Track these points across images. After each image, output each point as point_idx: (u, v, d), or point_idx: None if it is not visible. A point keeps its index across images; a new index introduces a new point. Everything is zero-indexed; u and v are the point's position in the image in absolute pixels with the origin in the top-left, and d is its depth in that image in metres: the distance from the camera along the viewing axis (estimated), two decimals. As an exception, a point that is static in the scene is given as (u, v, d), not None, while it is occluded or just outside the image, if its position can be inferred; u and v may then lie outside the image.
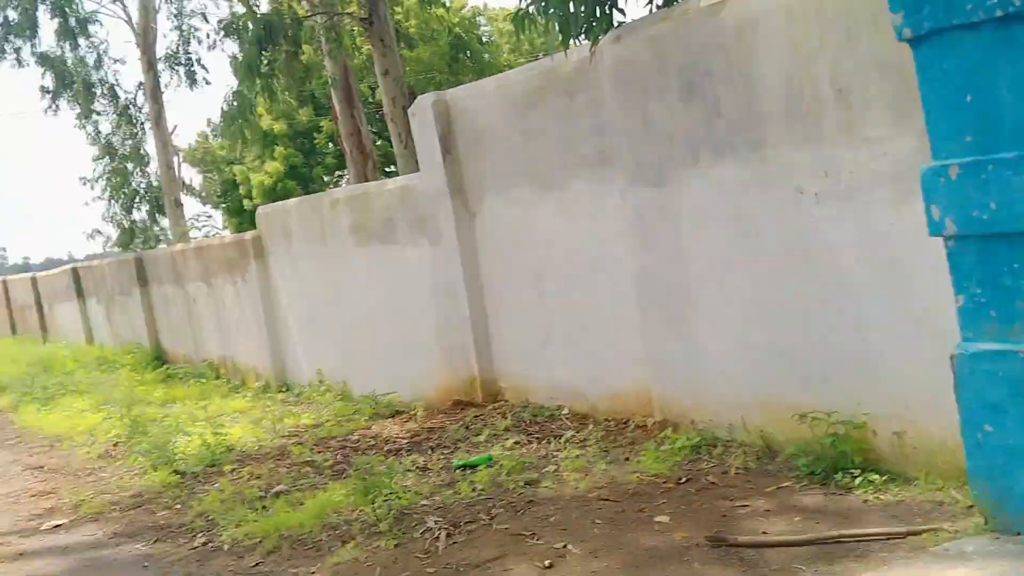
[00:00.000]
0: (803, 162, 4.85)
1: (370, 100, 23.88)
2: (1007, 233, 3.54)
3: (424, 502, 5.76)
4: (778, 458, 5.31)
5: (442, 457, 6.95)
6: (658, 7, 6.12)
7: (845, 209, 4.71)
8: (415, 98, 9.22)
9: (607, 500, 5.36)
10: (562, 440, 6.68)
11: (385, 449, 7.52)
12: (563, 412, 7.26)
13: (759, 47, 4.95)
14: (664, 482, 5.45)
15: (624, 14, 6.19)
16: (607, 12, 6.12)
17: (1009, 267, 3.57)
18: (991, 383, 3.64)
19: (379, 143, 23.85)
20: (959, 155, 3.64)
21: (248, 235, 12.11)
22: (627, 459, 5.99)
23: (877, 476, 4.71)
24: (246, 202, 32.02)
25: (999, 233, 3.56)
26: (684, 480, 5.42)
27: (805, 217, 4.91)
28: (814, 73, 4.69)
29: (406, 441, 7.74)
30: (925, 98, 3.71)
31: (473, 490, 5.87)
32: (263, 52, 13.13)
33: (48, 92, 25.01)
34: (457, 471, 6.40)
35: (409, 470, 6.62)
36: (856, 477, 4.78)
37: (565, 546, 4.72)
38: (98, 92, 25.55)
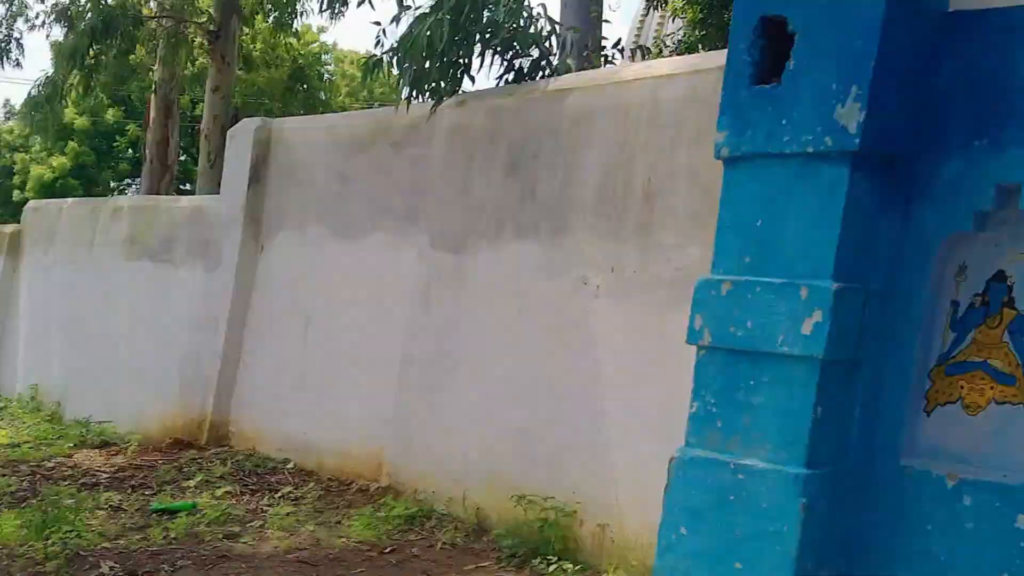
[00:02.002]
0: (595, 254, 5.30)
1: (187, 113, 23.48)
2: (755, 351, 4.00)
3: (106, 545, 5.52)
4: (485, 537, 5.50)
5: (142, 498, 6.70)
6: (507, 83, 6.63)
7: (621, 305, 5.16)
8: (238, 120, 9.27)
9: (304, 563, 5.29)
10: (277, 495, 6.59)
11: (81, 481, 7.16)
12: (288, 466, 7.23)
13: (589, 139, 5.47)
14: (369, 550, 5.48)
15: (473, 82, 6.66)
16: (458, 76, 6.57)
17: (746, 383, 4.01)
18: (699, 489, 4.03)
19: (183, 158, 23.34)
20: (735, 273, 4.11)
21: (8, 228, 11.65)
22: (339, 522, 5.98)
23: (571, 565, 5.00)
24: (16, 193, 30.11)
25: (748, 351, 4.02)
26: (389, 550, 5.47)
27: (583, 307, 5.32)
28: (630, 173, 5.22)
29: (107, 476, 7.41)
30: (722, 215, 4.20)
31: (165, 537, 5.69)
32: (93, 44, 12.99)
33: None
34: (154, 515, 6.19)
35: (101, 507, 6.33)
36: (552, 564, 5.03)
37: (241, 608, 4.61)
38: None
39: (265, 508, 6.35)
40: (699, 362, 4.18)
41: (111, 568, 5.11)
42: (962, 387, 4.07)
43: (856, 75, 3.74)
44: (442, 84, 6.54)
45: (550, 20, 6.69)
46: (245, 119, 8.85)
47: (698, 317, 4.18)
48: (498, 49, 6.62)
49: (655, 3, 10.82)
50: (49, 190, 27.19)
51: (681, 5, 11.01)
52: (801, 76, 3.88)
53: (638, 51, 9.33)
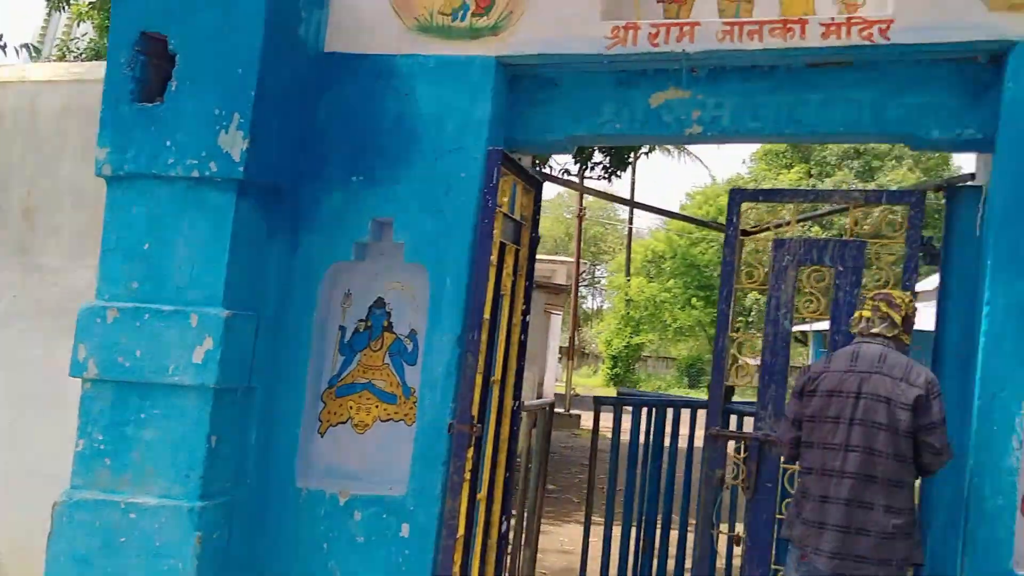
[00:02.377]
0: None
1: None
2: (145, 383, 3.83)
3: None
4: None
5: None
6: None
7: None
8: None
9: None
10: None
11: None
12: None
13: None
14: None
15: None
16: None
17: (136, 417, 3.83)
18: (86, 533, 3.75)
19: None
20: (123, 299, 3.90)
21: None
22: None
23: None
24: None
25: (137, 382, 3.83)
26: None
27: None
28: (5, 187, 4.67)
29: None
30: (106, 237, 3.95)
31: None
32: None
33: None
34: None
35: None
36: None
37: None
38: None
39: None
40: (84, 396, 3.89)
41: None
42: (351, 407, 4.37)
43: (238, 103, 3.83)
44: None
45: None
46: None
47: (82, 347, 3.88)
48: None
49: (57, 4, 9.74)
50: None
51: (87, 8, 10.12)
52: (185, 98, 3.87)
53: (25, 50, 8.49)
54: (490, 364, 4.10)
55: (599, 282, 47.50)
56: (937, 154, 21.86)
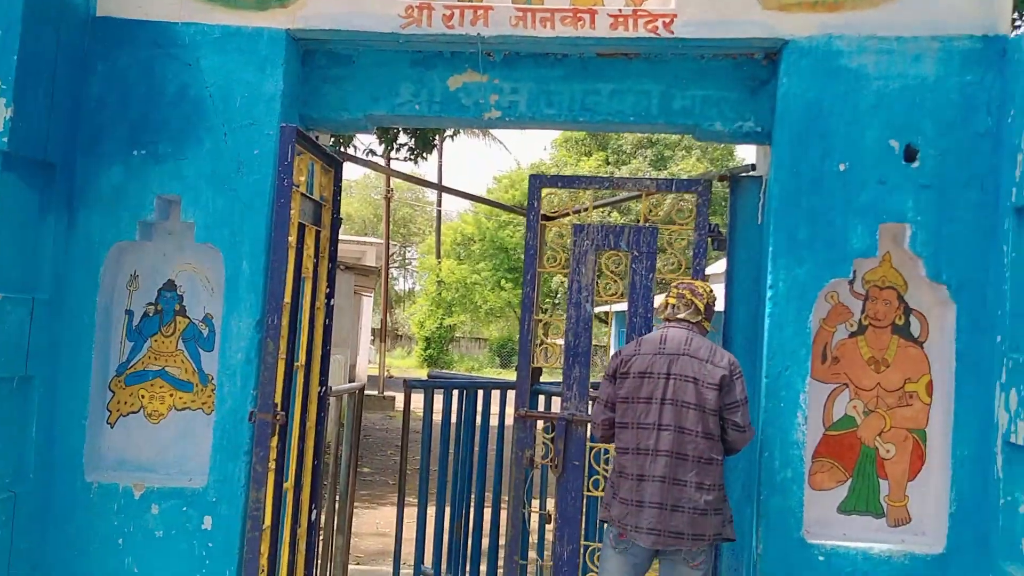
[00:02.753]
0: None
1: None
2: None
3: None
4: None
5: None
6: None
7: None
8: None
9: None
10: None
11: None
12: None
13: None
14: None
15: None
16: None
17: None
18: None
19: None
20: None
21: None
22: None
23: None
24: None
25: None
26: None
27: None
28: None
29: None
30: None
31: None
32: None
33: None
34: None
35: None
36: None
37: None
38: None
39: None
40: None
41: None
42: (143, 396, 4.12)
43: (0, 71, 3.50)
44: None
45: None
46: None
47: None
48: None
49: None
50: None
51: None
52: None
53: None
54: (293, 349, 3.98)
55: (410, 264, 47.41)
56: (722, 145, 23.28)
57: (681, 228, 4.36)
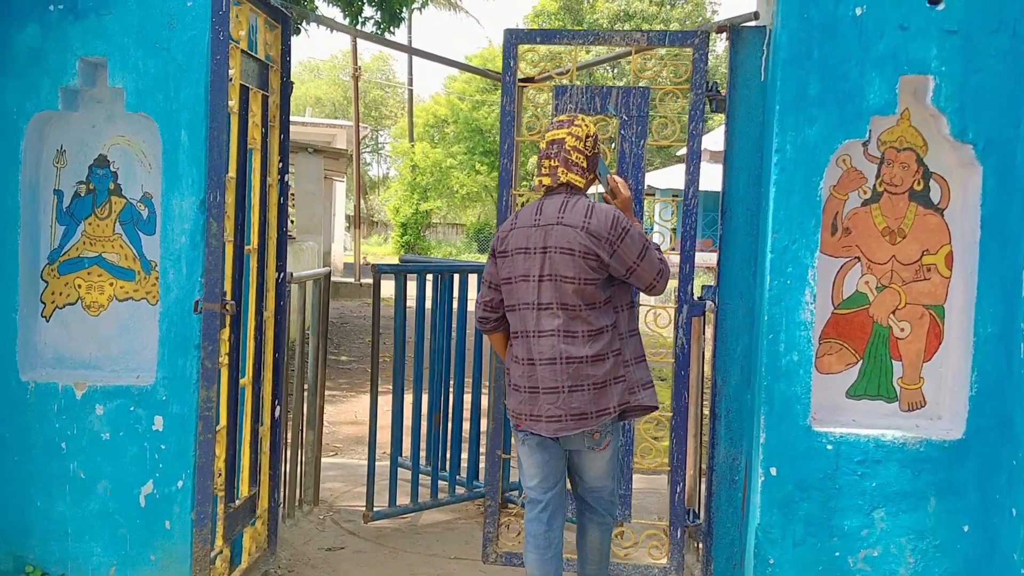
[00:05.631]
0: None
1: None
2: None
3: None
4: None
5: None
6: None
7: None
8: None
9: None
10: None
11: None
12: None
13: None
14: None
15: None
16: None
17: None
18: None
19: None
20: None
21: None
22: None
23: None
24: None
25: None
26: None
27: None
28: None
29: None
30: None
31: None
32: None
33: None
34: None
35: None
36: None
37: None
38: None
39: None
40: None
41: None
42: (80, 286, 3.69)
43: None
44: None
45: None
46: None
47: None
48: None
49: None
50: None
51: None
52: None
53: None
54: (243, 231, 3.53)
55: (383, 148, 46.30)
56: (701, 18, 22.34)
57: (675, 88, 3.89)
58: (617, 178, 3.33)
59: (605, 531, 3.34)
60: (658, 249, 3.17)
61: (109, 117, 3.62)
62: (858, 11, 3.28)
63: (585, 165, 3.15)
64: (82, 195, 3.65)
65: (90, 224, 3.67)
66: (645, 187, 3.97)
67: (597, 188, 3.41)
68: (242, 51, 3.37)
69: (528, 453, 3.20)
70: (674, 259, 3.79)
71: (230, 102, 3.22)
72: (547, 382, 3.07)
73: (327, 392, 8.78)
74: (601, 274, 3.06)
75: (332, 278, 18.95)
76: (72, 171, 3.64)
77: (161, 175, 3.47)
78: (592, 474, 3.22)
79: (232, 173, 3.34)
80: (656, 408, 3.21)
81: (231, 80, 3.23)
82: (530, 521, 3.23)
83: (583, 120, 3.20)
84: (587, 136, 3.15)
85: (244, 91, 3.44)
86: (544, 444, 3.15)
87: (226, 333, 3.38)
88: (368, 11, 10.61)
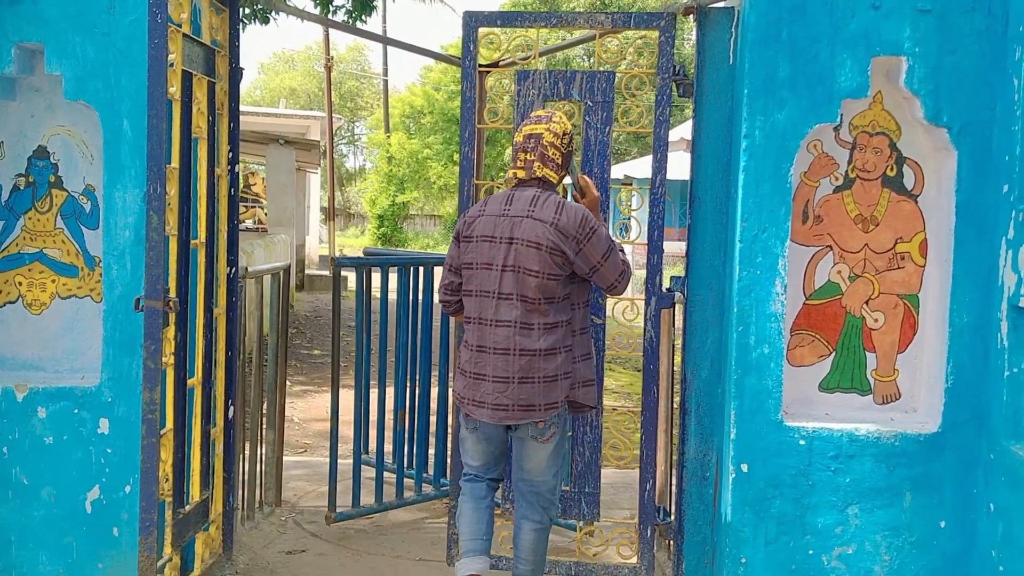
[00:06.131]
0: None
1: None
2: None
3: None
4: None
5: None
6: None
7: None
8: None
9: None
10: None
11: None
12: None
13: None
14: None
15: None
16: None
17: None
18: None
19: None
20: None
21: None
22: None
23: None
24: None
25: None
26: None
27: None
28: None
29: None
30: None
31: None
32: None
33: None
34: None
35: None
36: None
37: None
38: None
39: None
40: None
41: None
42: (20, 283, 3.52)
43: None
44: None
45: None
46: None
47: None
48: None
49: None
50: None
51: None
52: None
53: None
54: (187, 224, 3.36)
55: (359, 140, 45.92)
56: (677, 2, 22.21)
57: (642, 73, 3.75)
58: (588, 179, 3.38)
59: (541, 534, 3.31)
60: (622, 251, 3.21)
61: (49, 106, 3.44)
62: (829, -11, 3.15)
63: (560, 162, 3.20)
64: (21, 188, 3.48)
65: (30, 219, 3.49)
66: (611, 176, 3.84)
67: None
68: (184, 35, 3.20)
69: (470, 436, 3.28)
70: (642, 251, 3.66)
71: (171, 88, 3.06)
72: (498, 371, 3.11)
73: (299, 387, 8.64)
74: (565, 270, 3.10)
75: (307, 271, 18.65)
76: (10, 163, 3.46)
77: (103, 167, 3.30)
78: (531, 465, 3.23)
79: (175, 164, 3.18)
80: (593, 408, 3.27)
81: (172, 65, 3.06)
82: (466, 483, 3.36)
83: (561, 118, 3.23)
84: (564, 133, 3.20)
85: (187, 77, 3.27)
86: (486, 430, 3.21)
87: (171, 332, 3.22)
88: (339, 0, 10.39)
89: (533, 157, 3.16)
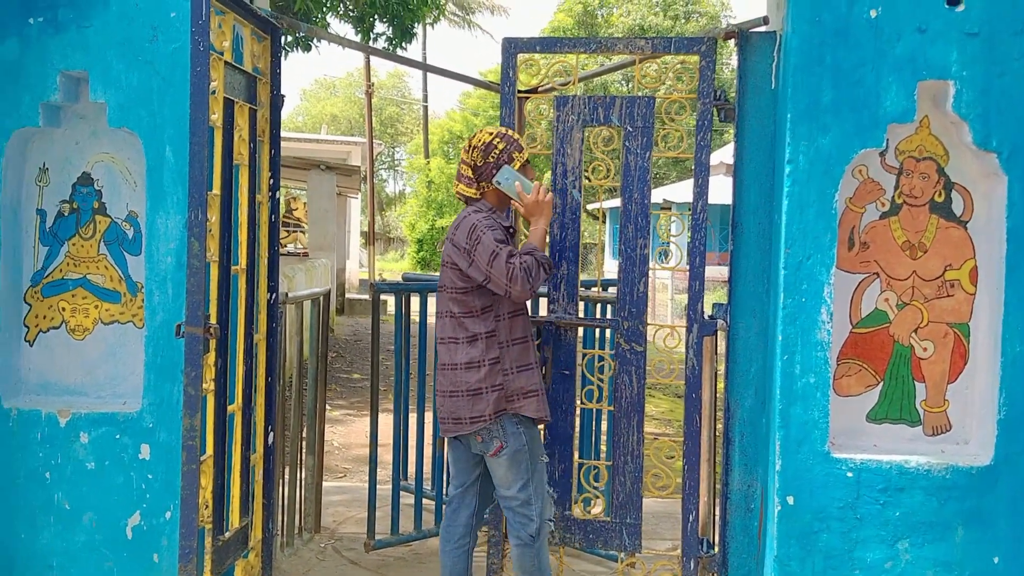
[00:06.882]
0: None
1: None
2: None
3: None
4: None
5: None
6: None
7: None
8: None
9: None
10: None
11: None
12: None
13: None
14: None
15: None
16: None
17: None
18: None
19: None
20: None
21: None
22: None
23: None
24: None
25: None
26: None
27: None
28: None
29: None
30: None
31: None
32: None
33: None
34: None
35: None
36: None
37: None
38: None
39: None
40: None
41: None
42: (64, 309, 3.55)
43: None
44: None
45: None
46: None
47: None
48: None
49: None
50: None
51: None
52: None
53: None
54: (228, 250, 3.37)
55: (399, 165, 46.32)
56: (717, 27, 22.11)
57: (682, 98, 3.71)
58: (535, 184, 3.30)
59: (523, 550, 3.35)
60: (519, 256, 3.14)
61: (93, 133, 3.48)
62: (873, 13, 3.09)
63: (471, 175, 3.26)
64: (65, 215, 3.52)
65: (74, 245, 3.53)
66: (651, 200, 3.79)
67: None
68: (226, 63, 3.22)
69: (449, 452, 3.47)
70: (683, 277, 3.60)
71: (212, 116, 3.07)
72: (440, 386, 3.31)
73: (339, 412, 8.65)
74: (467, 283, 3.20)
75: (347, 295, 18.73)
76: (55, 190, 3.51)
77: (146, 193, 3.33)
78: (496, 480, 3.33)
79: (216, 190, 3.19)
80: (543, 420, 3.34)
81: (214, 93, 3.08)
82: (447, 512, 3.50)
83: (486, 131, 3.31)
84: (474, 147, 3.26)
85: (229, 104, 3.29)
86: (454, 444, 3.38)
87: (211, 358, 3.22)
88: (380, 27, 10.52)
89: (461, 180, 3.31)
